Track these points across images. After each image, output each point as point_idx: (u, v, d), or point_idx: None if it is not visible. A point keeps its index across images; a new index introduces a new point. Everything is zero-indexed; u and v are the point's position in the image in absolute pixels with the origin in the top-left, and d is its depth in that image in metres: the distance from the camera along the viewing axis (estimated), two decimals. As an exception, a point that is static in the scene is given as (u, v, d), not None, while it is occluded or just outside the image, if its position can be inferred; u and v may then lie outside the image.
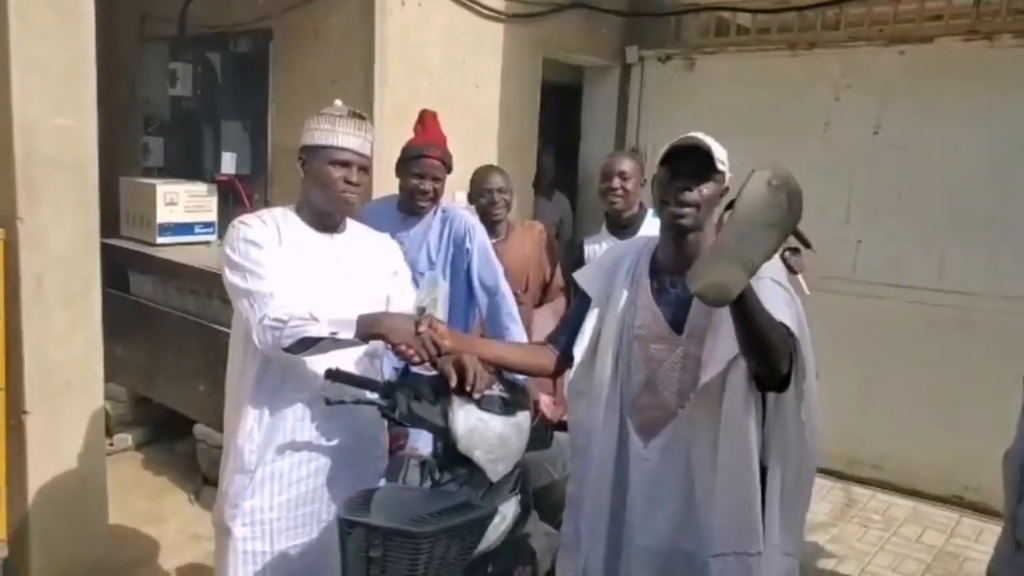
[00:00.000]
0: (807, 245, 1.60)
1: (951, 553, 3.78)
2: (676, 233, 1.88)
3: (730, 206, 1.55)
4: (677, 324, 1.87)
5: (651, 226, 3.27)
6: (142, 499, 3.79)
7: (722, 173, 1.86)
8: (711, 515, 1.82)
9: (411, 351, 1.82)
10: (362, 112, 2.11)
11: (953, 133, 4.19)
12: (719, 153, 1.84)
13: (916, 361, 4.32)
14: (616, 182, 3.24)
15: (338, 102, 2.12)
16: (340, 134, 2.04)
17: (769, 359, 1.68)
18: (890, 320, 4.40)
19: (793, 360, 1.72)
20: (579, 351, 1.97)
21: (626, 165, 3.28)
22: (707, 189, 1.83)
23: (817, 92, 4.56)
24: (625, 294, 1.94)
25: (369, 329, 1.87)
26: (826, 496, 4.36)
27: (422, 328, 1.83)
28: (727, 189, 1.88)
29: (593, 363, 1.96)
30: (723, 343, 1.76)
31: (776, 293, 1.76)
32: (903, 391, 4.37)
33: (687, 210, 1.82)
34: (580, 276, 2.10)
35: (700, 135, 1.85)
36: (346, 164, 2.04)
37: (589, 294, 2.02)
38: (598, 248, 3.35)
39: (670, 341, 1.88)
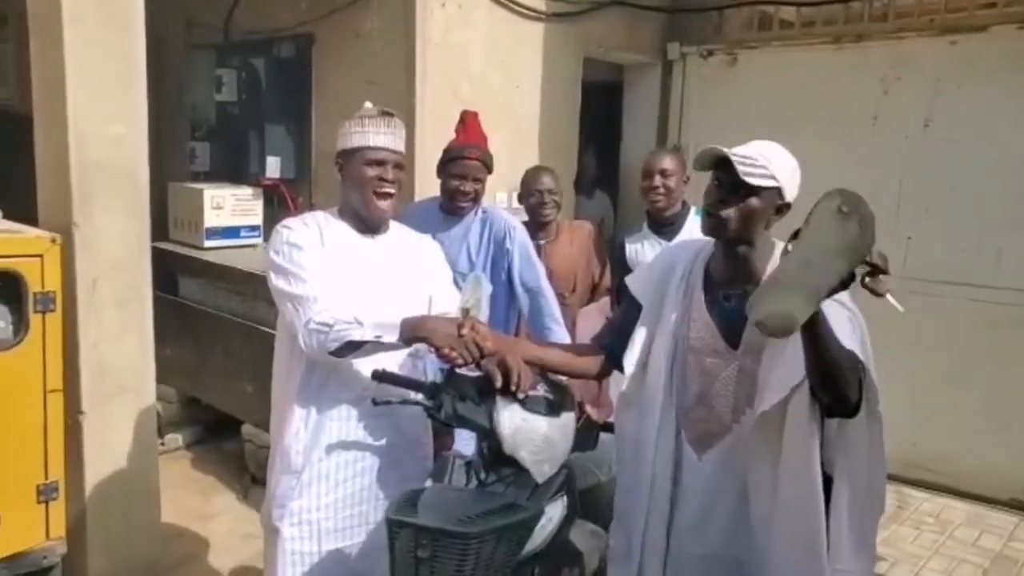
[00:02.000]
0: (883, 271, 1.50)
1: (1009, 557, 3.68)
2: (724, 245, 1.84)
3: (795, 235, 1.48)
4: (732, 338, 1.82)
5: (694, 225, 3.23)
6: (192, 498, 3.87)
7: (773, 189, 1.75)
8: (772, 543, 1.74)
9: (454, 354, 1.82)
10: (391, 110, 2.11)
11: (1007, 125, 4.07)
12: (775, 167, 1.74)
13: (971, 361, 4.20)
14: (658, 180, 3.19)
15: (368, 104, 2.13)
16: (371, 134, 2.05)
17: (839, 389, 1.61)
18: (943, 319, 4.28)
19: (863, 386, 1.65)
20: (630, 361, 1.93)
21: (668, 162, 3.23)
22: (751, 203, 1.75)
23: (865, 85, 4.46)
24: (679, 304, 1.89)
25: (412, 332, 1.88)
26: (877, 498, 4.26)
27: (464, 331, 1.83)
28: (787, 205, 1.79)
29: (645, 374, 1.92)
30: (785, 367, 1.68)
31: (841, 316, 1.69)
32: (957, 392, 4.25)
33: (723, 220, 1.77)
34: (632, 282, 2.04)
35: (751, 146, 1.77)
36: (380, 163, 2.06)
37: (640, 302, 1.97)
38: (640, 248, 3.32)
39: (725, 356, 1.83)
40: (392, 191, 2.08)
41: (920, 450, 4.39)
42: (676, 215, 3.25)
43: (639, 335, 1.93)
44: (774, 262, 1.76)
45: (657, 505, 1.89)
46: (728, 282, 1.84)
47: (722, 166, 1.76)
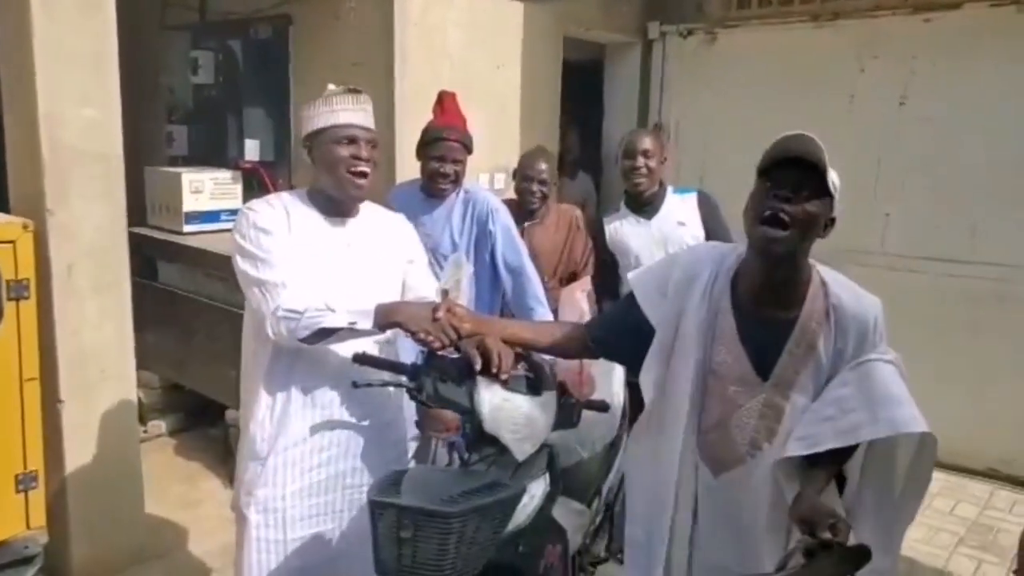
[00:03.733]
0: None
1: (985, 525, 3.76)
2: (766, 260, 1.62)
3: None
4: (762, 367, 1.66)
5: (673, 204, 3.24)
6: (177, 484, 3.85)
7: (832, 197, 1.57)
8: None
9: (430, 338, 1.81)
10: (357, 87, 2.04)
11: (982, 101, 4.10)
12: (831, 172, 1.56)
13: (948, 333, 4.25)
14: (640, 160, 3.16)
15: (331, 86, 2.05)
16: (340, 112, 1.98)
17: None
18: (921, 294, 4.32)
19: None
20: (647, 385, 1.77)
21: (648, 143, 3.21)
22: (812, 207, 1.54)
23: (842, 64, 4.48)
24: (703, 324, 1.69)
25: (387, 318, 1.86)
26: (857, 472, 4.32)
27: (439, 314, 1.81)
28: (833, 220, 1.61)
29: (664, 397, 1.76)
30: (816, 424, 1.59)
31: (891, 373, 1.65)
32: (935, 364, 4.28)
33: (782, 234, 1.53)
34: (644, 299, 1.81)
35: (809, 140, 1.57)
36: (353, 140, 1.98)
37: (653, 324, 1.77)
38: (618, 227, 3.30)
39: (751, 385, 1.68)
40: (367, 170, 1.99)
41: (899, 424, 4.44)
42: (655, 195, 3.24)
43: (654, 358, 1.75)
44: (815, 288, 1.65)
45: (681, 523, 1.77)
46: (764, 303, 1.66)
47: (789, 166, 1.55)
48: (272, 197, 2.08)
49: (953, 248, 4.24)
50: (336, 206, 2.05)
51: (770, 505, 1.68)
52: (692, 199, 3.25)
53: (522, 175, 3.30)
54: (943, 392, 4.27)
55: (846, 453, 1.65)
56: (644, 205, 3.25)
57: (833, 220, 1.61)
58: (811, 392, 1.64)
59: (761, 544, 1.71)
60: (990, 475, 4.21)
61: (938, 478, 4.18)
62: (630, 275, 1.91)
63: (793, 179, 1.54)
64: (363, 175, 1.99)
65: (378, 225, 2.15)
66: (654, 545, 1.81)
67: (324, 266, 1.99)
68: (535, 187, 3.26)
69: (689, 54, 5.03)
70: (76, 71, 2.80)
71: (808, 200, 1.54)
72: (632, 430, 1.90)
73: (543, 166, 3.28)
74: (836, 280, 1.69)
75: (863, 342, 1.63)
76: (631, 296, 1.85)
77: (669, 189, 3.28)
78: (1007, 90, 4.03)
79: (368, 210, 2.15)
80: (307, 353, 1.97)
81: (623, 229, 3.28)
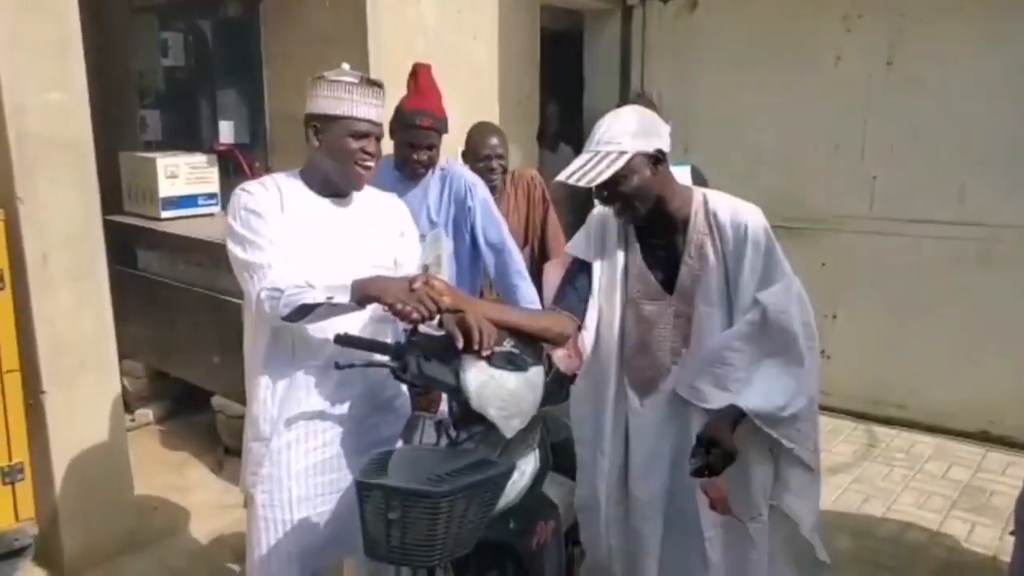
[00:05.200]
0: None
1: (978, 488, 3.76)
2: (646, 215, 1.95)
3: None
4: (668, 285, 1.97)
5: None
6: (166, 472, 3.82)
7: (626, 166, 1.86)
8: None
9: (408, 308, 1.77)
10: (378, 80, 2.01)
11: (971, 62, 4.06)
12: (623, 139, 1.86)
13: (937, 297, 4.25)
14: None
15: (346, 66, 2.01)
16: (359, 104, 1.95)
17: None
18: (909, 256, 4.32)
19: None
20: (590, 320, 2.04)
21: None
22: (624, 187, 1.87)
23: (826, 24, 4.43)
24: (619, 257, 2.01)
25: (363, 292, 1.82)
26: (848, 437, 4.34)
27: (416, 285, 1.78)
28: (660, 153, 1.90)
29: (598, 330, 2.04)
30: (704, 375, 1.93)
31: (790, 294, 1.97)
32: (925, 328, 4.31)
33: (626, 215, 1.93)
34: (574, 247, 2.13)
35: (580, 173, 1.87)
36: (365, 135, 1.97)
37: (588, 261, 2.07)
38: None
39: (661, 301, 1.98)
40: (372, 164, 2.01)
41: (889, 388, 4.46)
42: None
43: (594, 295, 2.04)
44: (696, 206, 1.95)
45: (614, 453, 2.05)
46: (658, 235, 1.99)
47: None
48: (266, 178, 2.07)
49: (941, 210, 4.22)
50: (332, 188, 2.05)
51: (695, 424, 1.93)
52: (686, 172, 3.19)
53: (475, 155, 3.20)
54: (933, 355, 4.30)
55: None
56: None
57: (661, 152, 1.90)
58: (713, 296, 1.93)
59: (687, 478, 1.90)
60: (982, 438, 4.22)
61: (929, 442, 4.21)
62: (567, 245, 2.19)
63: (599, 192, 1.90)
64: (368, 168, 2.01)
65: (371, 204, 2.15)
66: (596, 484, 2.08)
67: (318, 245, 1.99)
68: (494, 163, 3.19)
69: (669, 19, 4.95)
70: (39, 55, 2.73)
71: (617, 188, 1.87)
72: (579, 374, 2.13)
73: (495, 140, 3.21)
74: (716, 197, 1.98)
75: (741, 246, 1.89)
76: (572, 260, 2.12)
77: None
78: (996, 48, 3.98)
79: (361, 190, 2.13)
80: (306, 333, 1.97)
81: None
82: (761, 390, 1.87)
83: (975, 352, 4.17)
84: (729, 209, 1.93)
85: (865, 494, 3.69)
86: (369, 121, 1.97)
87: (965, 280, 4.18)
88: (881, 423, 4.45)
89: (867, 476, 3.88)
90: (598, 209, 2.10)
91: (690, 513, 1.99)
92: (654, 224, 1.96)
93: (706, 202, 1.95)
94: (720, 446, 1.80)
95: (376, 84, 1.99)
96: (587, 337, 2.04)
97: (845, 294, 4.51)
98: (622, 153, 1.83)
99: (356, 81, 1.97)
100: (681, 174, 3.18)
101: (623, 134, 1.85)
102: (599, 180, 1.83)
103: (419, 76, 2.78)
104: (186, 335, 3.99)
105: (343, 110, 1.95)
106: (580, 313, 2.06)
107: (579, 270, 2.08)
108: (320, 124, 1.99)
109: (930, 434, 4.31)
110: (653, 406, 2.00)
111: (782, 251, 1.94)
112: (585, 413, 2.11)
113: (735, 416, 1.86)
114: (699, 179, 3.18)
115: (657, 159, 1.88)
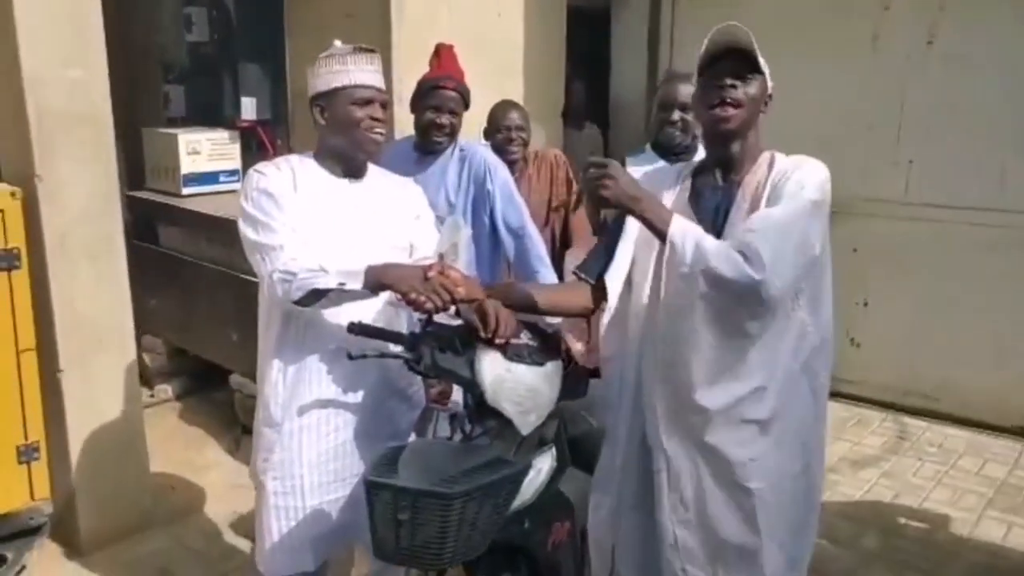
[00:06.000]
0: None
1: (1015, 486, 3.62)
2: (721, 141, 1.77)
3: None
4: (715, 230, 1.74)
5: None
6: (183, 449, 3.82)
7: (764, 75, 1.74)
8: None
9: (422, 298, 1.72)
10: (369, 46, 1.99)
11: (1014, 40, 3.88)
12: (759, 54, 1.71)
13: (973, 285, 4.10)
14: (676, 114, 2.84)
15: (337, 42, 2.00)
16: (354, 72, 1.94)
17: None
18: (945, 243, 4.17)
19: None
20: (614, 278, 1.83)
21: (689, 94, 2.95)
22: (752, 88, 1.71)
23: (864, 2, 4.25)
24: (666, 198, 1.82)
25: (377, 279, 1.79)
26: (878, 428, 4.23)
27: (431, 274, 1.73)
28: (771, 96, 1.78)
29: (629, 293, 1.84)
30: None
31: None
32: (959, 317, 4.17)
33: (731, 111, 1.70)
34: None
35: (736, 29, 1.70)
36: (369, 102, 1.95)
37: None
38: (648, 171, 3.10)
39: None
40: (383, 131, 1.99)
41: (920, 378, 4.34)
42: (687, 147, 2.98)
43: (623, 252, 1.85)
44: (762, 161, 1.77)
45: (633, 420, 1.82)
46: (713, 174, 1.81)
47: (726, 57, 1.70)
48: (280, 160, 2.05)
49: (981, 196, 4.05)
50: (345, 166, 2.03)
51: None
52: None
53: (495, 128, 3.16)
54: (967, 346, 4.17)
55: None
56: (676, 154, 3.00)
57: (771, 96, 1.78)
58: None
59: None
60: (1019, 433, 4.07)
61: (963, 437, 4.09)
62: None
63: (730, 69, 1.70)
64: (378, 134, 1.98)
65: (385, 186, 2.12)
66: (615, 456, 1.85)
67: (331, 226, 1.96)
68: (513, 135, 3.13)
69: (700, -3, 4.81)
70: (58, 31, 2.70)
71: (747, 83, 1.71)
72: (602, 334, 1.90)
73: (515, 114, 3.15)
74: (785, 157, 1.80)
75: (785, 180, 1.71)
76: (606, 224, 1.94)
77: (699, 142, 3.07)
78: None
79: (375, 172, 2.13)
80: (318, 317, 1.95)
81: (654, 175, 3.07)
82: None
83: (1013, 344, 4.02)
84: (790, 160, 1.79)
85: (895, 489, 3.59)
86: (369, 87, 1.95)
87: (1003, 268, 4.03)
88: (912, 414, 4.33)
89: (897, 470, 3.77)
90: (646, 174, 1.96)
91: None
92: (719, 163, 1.80)
93: (773, 156, 1.82)
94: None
95: (370, 50, 1.98)
96: (612, 286, 1.83)
97: (877, 280, 4.38)
98: (764, 64, 1.74)
99: (349, 51, 1.95)
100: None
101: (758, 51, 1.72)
102: (753, 47, 1.68)
103: (442, 54, 2.75)
104: (205, 313, 3.98)
105: (340, 81, 1.94)
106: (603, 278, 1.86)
107: (614, 234, 1.87)
108: (323, 102, 1.98)
109: (963, 427, 4.18)
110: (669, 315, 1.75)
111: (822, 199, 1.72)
112: (614, 374, 1.88)
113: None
114: None
115: (769, 98, 1.79)
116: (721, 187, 1.78)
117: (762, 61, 1.71)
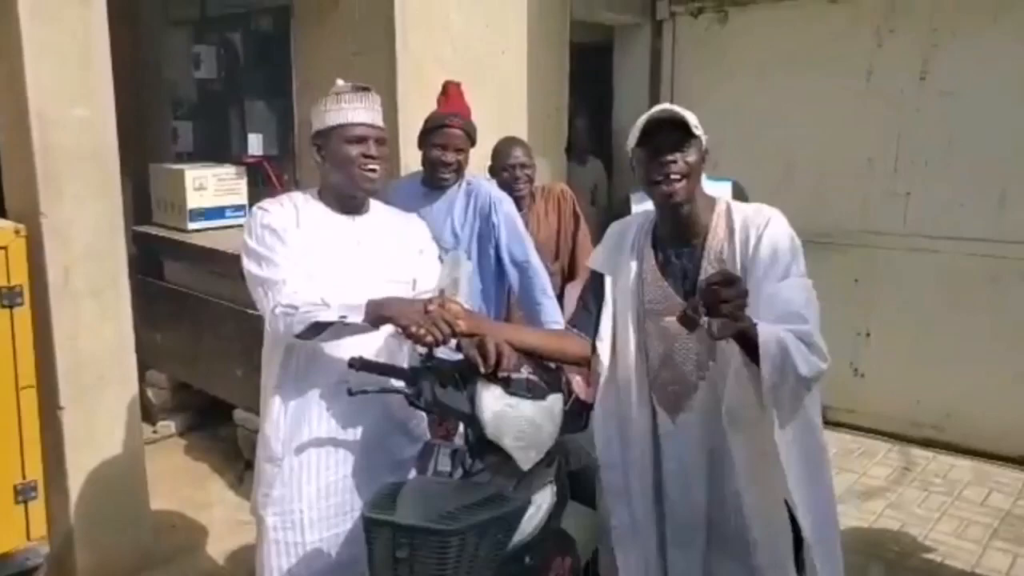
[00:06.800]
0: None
1: (1019, 516, 3.60)
2: (671, 212, 1.84)
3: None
4: (687, 296, 1.82)
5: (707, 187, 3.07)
6: (186, 486, 3.81)
7: (699, 138, 1.80)
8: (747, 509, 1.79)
9: (422, 331, 1.73)
10: (365, 84, 2.03)
11: (1007, 75, 3.93)
12: (692, 119, 1.78)
13: (974, 316, 4.11)
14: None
15: (340, 81, 2.04)
16: (348, 110, 1.98)
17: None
18: (945, 274, 4.19)
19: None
20: (601, 336, 1.93)
21: None
22: (692, 156, 1.78)
23: (858, 39, 4.32)
24: (633, 268, 1.92)
25: (377, 312, 1.80)
26: (883, 459, 4.20)
27: (431, 308, 1.74)
28: (707, 152, 1.84)
29: (615, 346, 1.92)
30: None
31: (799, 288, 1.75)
32: (962, 347, 4.16)
33: (677, 185, 1.77)
34: (592, 262, 2.05)
35: (669, 106, 1.80)
36: (362, 139, 1.98)
37: (604, 272, 1.98)
38: (649, 205, 3.14)
39: None
40: (377, 167, 2.01)
41: (924, 408, 4.33)
42: None
43: (607, 309, 1.95)
44: (718, 214, 1.85)
45: (645, 478, 1.91)
46: (677, 241, 1.88)
47: (661, 130, 1.77)
48: (284, 196, 2.09)
49: (978, 227, 4.09)
50: (346, 203, 2.05)
51: (739, 455, 1.77)
52: (727, 188, 3.11)
53: (500, 166, 3.18)
54: (971, 375, 4.16)
55: None
56: None
57: (707, 151, 1.84)
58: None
59: (727, 492, 1.80)
60: (1023, 463, 4.05)
61: (967, 466, 4.06)
62: (588, 260, 2.09)
63: (668, 142, 1.76)
64: (373, 171, 2.01)
65: (388, 221, 2.15)
66: (635, 510, 1.93)
67: (334, 262, 1.99)
68: (519, 172, 3.15)
69: (700, 34, 4.87)
70: (65, 69, 2.73)
71: (686, 152, 1.77)
72: (598, 396, 1.98)
73: (519, 151, 3.18)
74: (740, 206, 1.88)
75: (757, 247, 1.77)
76: (590, 276, 2.04)
77: (703, 177, 3.11)
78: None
79: (378, 208, 2.15)
80: (318, 351, 1.96)
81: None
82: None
83: (1016, 373, 4.01)
84: (749, 213, 1.84)
85: (901, 521, 3.56)
86: (363, 124, 1.98)
87: (1004, 298, 4.04)
88: (917, 445, 4.31)
89: (903, 502, 3.74)
90: (614, 224, 2.06)
91: (731, 526, 1.84)
92: (675, 231, 1.87)
93: (728, 209, 1.87)
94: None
95: (365, 88, 2.02)
96: (602, 351, 1.93)
97: (878, 311, 4.40)
98: (697, 127, 1.79)
99: (345, 90, 2.00)
100: (722, 189, 3.10)
101: (691, 116, 1.79)
102: (692, 120, 1.76)
103: (449, 91, 2.81)
104: (209, 347, 3.99)
105: (335, 120, 1.98)
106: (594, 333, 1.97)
107: (598, 290, 1.99)
108: (321, 140, 2.02)
109: (968, 458, 4.15)
110: (685, 427, 1.85)
111: (803, 258, 1.80)
112: (611, 433, 1.94)
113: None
114: (740, 195, 3.06)
115: (705, 154, 1.84)
116: (684, 252, 1.87)
117: (695, 126, 1.77)
